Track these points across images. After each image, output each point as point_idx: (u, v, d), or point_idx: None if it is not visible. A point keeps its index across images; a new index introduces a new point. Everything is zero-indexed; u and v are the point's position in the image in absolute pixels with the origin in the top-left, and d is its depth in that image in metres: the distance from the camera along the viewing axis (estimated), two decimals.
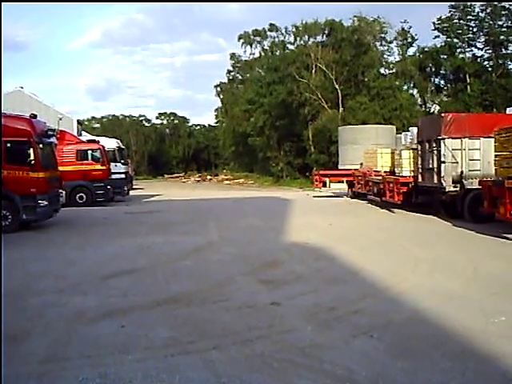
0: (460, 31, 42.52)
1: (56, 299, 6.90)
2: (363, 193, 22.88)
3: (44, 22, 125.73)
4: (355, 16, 43.87)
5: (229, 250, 10.64)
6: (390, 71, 46.59)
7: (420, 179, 16.77)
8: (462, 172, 14.90)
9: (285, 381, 4.31)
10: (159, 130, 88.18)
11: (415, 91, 46.34)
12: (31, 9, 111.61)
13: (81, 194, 22.78)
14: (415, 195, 17.37)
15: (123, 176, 26.34)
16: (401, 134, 23.74)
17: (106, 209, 21.47)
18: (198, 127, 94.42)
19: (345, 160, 27.04)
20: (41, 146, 14.39)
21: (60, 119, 36.20)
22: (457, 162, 14.95)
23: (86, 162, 23.13)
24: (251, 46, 56.15)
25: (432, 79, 46.25)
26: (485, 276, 7.96)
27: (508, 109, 18.27)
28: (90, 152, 23.39)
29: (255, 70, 58.36)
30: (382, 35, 45.16)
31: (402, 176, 17.96)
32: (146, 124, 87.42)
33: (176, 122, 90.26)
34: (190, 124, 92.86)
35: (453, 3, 42.02)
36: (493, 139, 12.96)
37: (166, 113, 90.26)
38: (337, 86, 43.00)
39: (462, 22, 42.54)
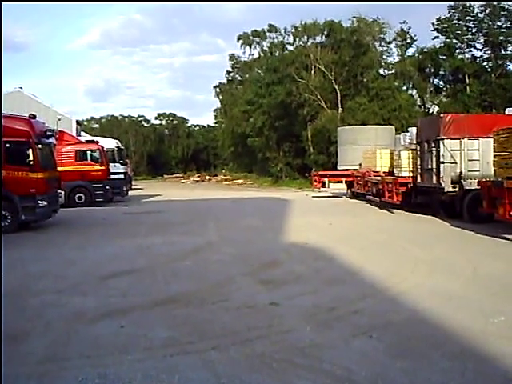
0: (459, 32, 42.54)
1: (55, 299, 6.90)
2: (362, 193, 22.90)
3: (43, 23, 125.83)
4: (354, 17, 43.94)
5: (228, 251, 10.64)
6: (389, 72, 46.64)
7: (419, 179, 16.78)
8: (461, 172, 14.91)
9: (284, 381, 4.31)
10: (158, 131, 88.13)
11: (414, 92, 46.39)
12: (31, 9, 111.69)
13: (80, 195, 22.77)
14: (414, 195, 17.40)
15: (122, 176, 26.33)
16: (400, 134, 23.77)
17: (105, 209, 21.45)
18: (197, 128, 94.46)
19: (344, 160, 27.06)
20: (40, 146, 14.38)
21: (59, 119, 36.17)
22: (456, 163, 14.97)
23: (85, 162, 23.14)
24: (250, 47, 56.23)
25: (431, 80, 46.30)
26: (484, 276, 7.97)
27: (507, 109, 18.29)
28: (89, 152, 23.40)
29: (254, 70, 58.35)
30: (381, 36, 45.22)
31: (401, 176, 17.98)
32: (145, 124, 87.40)
33: (175, 122, 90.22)
34: (189, 124, 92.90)
35: (452, 4, 42.12)
36: (492, 140, 12.96)
37: (165, 113, 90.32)
38: (336, 87, 43.00)
39: (461, 22, 42.56)
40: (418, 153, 16.83)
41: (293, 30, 49.21)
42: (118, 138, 38.19)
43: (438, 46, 43.68)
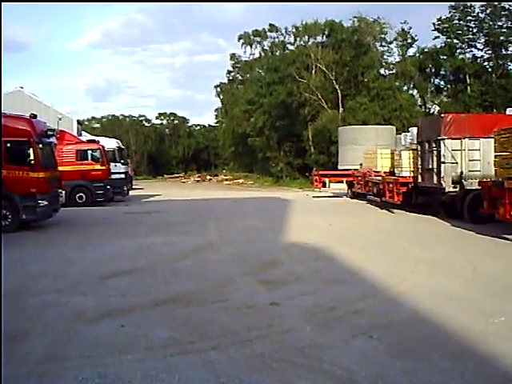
0: (460, 32, 42.53)
1: (55, 299, 6.90)
2: (363, 193, 22.89)
3: (44, 23, 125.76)
4: (355, 16, 43.96)
5: (228, 251, 10.64)
6: (390, 72, 46.65)
7: (420, 180, 16.77)
8: (461, 172, 14.90)
9: (284, 381, 4.31)
10: (159, 130, 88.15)
11: (415, 92, 46.39)
12: (31, 9, 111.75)
13: (80, 194, 22.78)
14: (415, 196, 17.38)
15: (123, 176, 26.34)
16: (401, 134, 23.74)
17: (105, 209, 21.46)
18: (198, 127, 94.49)
19: (344, 160, 27.05)
20: (41, 145, 14.38)
21: (60, 119, 36.16)
22: (456, 163, 14.96)
23: (85, 162, 23.14)
24: (251, 47, 56.23)
25: (432, 80, 46.30)
26: (484, 276, 7.96)
27: (508, 109, 18.27)
28: (89, 152, 23.40)
29: (255, 70, 58.39)
30: (382, 36, 45.24)
31: (402, 176, 17.97)
32: (146, 124, 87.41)
33: (176, 122, 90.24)
34: (189, 124, 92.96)
35: (452, 4, 42.10)
36: (493, 140, 12.95)
37: (165, 113, 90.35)
38: (337, 87, 43.00)
39: (461, 22, 42.54)
40: (419, 153, 16.82)
41: (293, 30, 49.33)
42: (118, 137, 38.18)
43: (438, 46, 43.70)
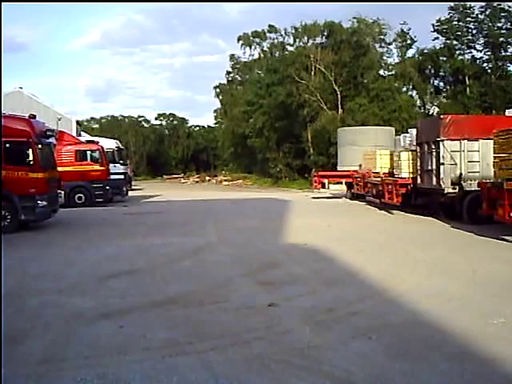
0: (459, 33, 42.58)
1: (54, 300, 6.89)
2: (362, 194, 22.91)
3: (44, 23, 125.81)
4: (354, 17, 43.94)
5: (227, 251, 10.64)
6: (390, 73, 46.61)
7: (419, 181, 16.77)
8: (460, 174, 14.90)
9: (283, 382, 4.31)
10: (158, 131, 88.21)
11: (414, 93, 46.43)
12: (31, 9, 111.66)
13: (80, 195, 22.76)
14: (414, 197, 17.39)
15: (122, 176, 26.37)
16: (400, 135, 23.72)
17: (104, 209, 21.44)
18: (197, 128, 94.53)
19: (344, 161, 27.06)
20: (40, 146, 14.37)
21: (59, 120, 36.22)
22: (456, 164, 14.97)
23: (84, 162, 23.14)
24: (250, 48, 56.26)
25: (431, 81, 46.35)
26: (484, 278, 7.96)
27: (507, 110, 18.33)
28: (89, 152, 23.41)
29: (254, 71, 58.38)
30: (382, 37, 45.20)
31: (401, 177, 17.97)
32: (145, 125, 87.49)
33: (175, 122, 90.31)
34: (189, 125, 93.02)
35: (452, 5, 42.13)
36: (492, 141, 12.95)
37: (165, 113, 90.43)
38: (336, 88, 43.01)
39: (461, 23, 42.60)
40: (418, 154, 16.82)
41: (293, 31, 49.39)
42: (118, 138, 38.24)
43: (438, 47, 43.78)
